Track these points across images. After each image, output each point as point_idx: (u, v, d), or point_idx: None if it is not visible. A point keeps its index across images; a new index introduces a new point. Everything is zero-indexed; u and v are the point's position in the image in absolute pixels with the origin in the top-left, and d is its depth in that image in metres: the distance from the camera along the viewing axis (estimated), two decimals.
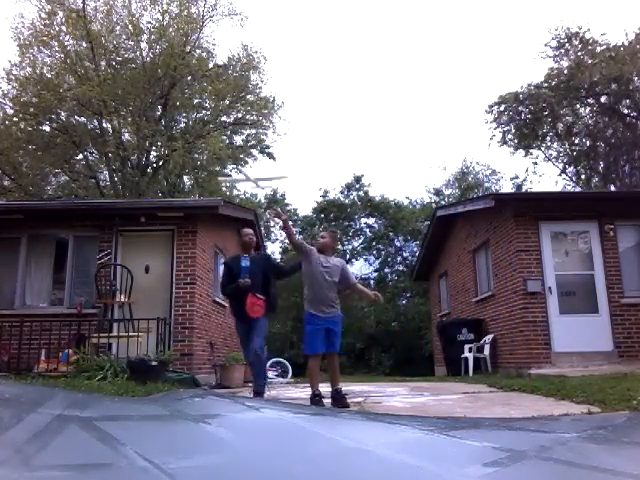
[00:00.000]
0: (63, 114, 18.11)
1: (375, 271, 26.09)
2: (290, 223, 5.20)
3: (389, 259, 26.39)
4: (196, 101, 20.38)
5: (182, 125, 21.01)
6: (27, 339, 7.72)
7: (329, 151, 47.48)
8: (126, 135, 18.97)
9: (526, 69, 48.43)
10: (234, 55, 19.96)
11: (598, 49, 19.57)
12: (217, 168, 20.98)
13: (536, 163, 22.90)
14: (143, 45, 18.72)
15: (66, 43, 17.80)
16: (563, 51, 20.50)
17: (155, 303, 8.51)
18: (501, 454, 0.50)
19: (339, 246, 25.91)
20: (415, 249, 24.10)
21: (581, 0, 37.94)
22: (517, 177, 25.90)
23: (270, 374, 12.61)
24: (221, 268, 11.03)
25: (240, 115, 20.77)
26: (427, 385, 7.83)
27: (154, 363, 6.68)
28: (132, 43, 18.69)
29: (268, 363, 13.75)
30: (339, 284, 5.25)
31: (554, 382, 5.87)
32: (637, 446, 0.57)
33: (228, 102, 19.90)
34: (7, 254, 9.01)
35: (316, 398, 5.09)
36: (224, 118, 20.62)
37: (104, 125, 18.36)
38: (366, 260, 26.06)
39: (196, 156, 19.24)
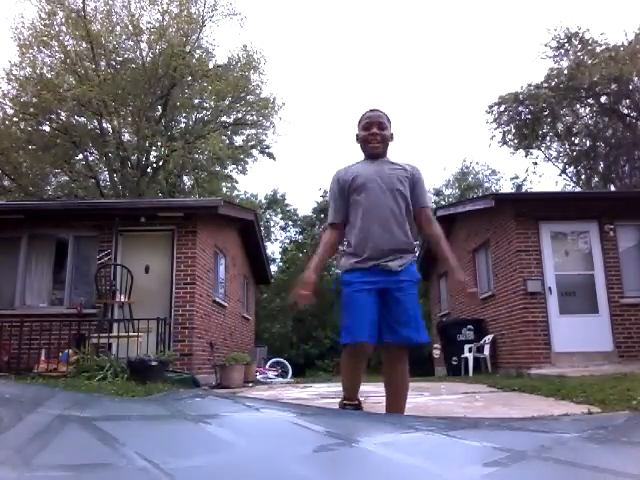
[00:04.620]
0: (63, 114, 18.12)
1: None
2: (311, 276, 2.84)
3: None
4: (196, 101, 20.40)
5: (182, 125, 21.03)
6: (27, 339, 7.73)
7: (329, 151, 47.50)
8: (126, 135, 18.98)
9: (526, 69, 48.44)
10: (234, 55, 20.00)
11: (598, 49, 19.57)
12: (217, 168, 20.99)
13: (536, 163, 22.94)
14: (143, 45, 18.75)
15: (66, 43, 17.81)
16: (563, 51, 20.51)
17: (155, 303, 8.51)
18: (501, 454, 0.50)
19: (339, 245, 25.85)
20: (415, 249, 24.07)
21: (581, 0, 37.96)
22: (517, 177, 25.94)
23: (270, 374, 12.62)
24: (221, 269, 11.08)
25: (240, 115, 20.78)
26: (427, 385, 7.83)
27: (154, 363, 6.68)
28: (132, 43, 18.71)
29: (268, 363, 13.77)
30: (407, 209, 2.79)
31: (554, 382, 5.87)
32: (637, 446, 0.57)
33: (228, 102, 19.91)
34: (7, 254, 9.02)
35: (346, 408, 2.84)
36: (224, 118, 20.64)
37: (104, 125, 18.37)
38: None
39: (196, 156, 19.24)
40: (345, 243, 3.01)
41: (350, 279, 2.73)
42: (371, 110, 2.94)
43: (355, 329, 2.61)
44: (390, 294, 2.66)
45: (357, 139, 2.95)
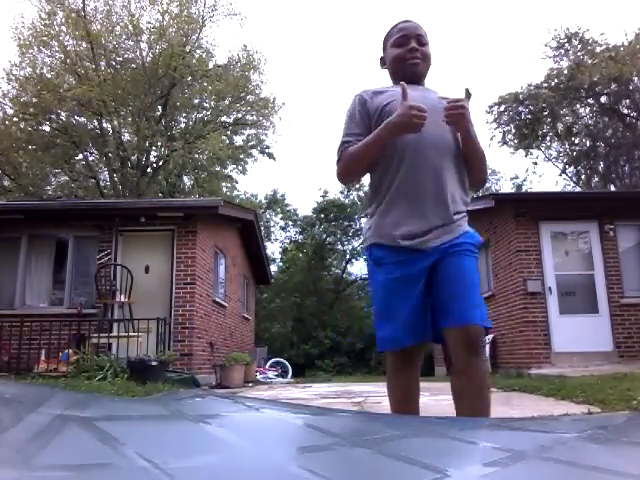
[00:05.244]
0: (63, 114, 18.12)
1: None
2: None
3: None
4: (196, 101, 20.41)
5: (182, 125, 21.03)
6: (27, 339, 7.73)
7: (329, 151, 47.45)
8: (126, 135, 18.99)
9: (526, 69, 48.45)
10: (234, 55, 20.02)
11: (598, 49, 19.59)
12: (217, 168, 21.01)
13: (536, 163, 22.99)
14: (143, 45, 18.76)
15: (66, 43, 17.81)
16: (563, 51, 20.53)
17: (155, 303, 8.52)
18: (501, 454, 0.50)
19: (339, 245, 25.80)
20: None
21: (581, 0, 37.97)
22: (517, 177, 25.93)
23: (270, 374, 12.62)
24: (221, 269, 11.08)
25: (240, 115, 20.80)
26: (427, 385, 7.82)
27: (154, 363, 6.68)
28: (132, 43, 18.71)
29: (268, 363, 13.77)
30: (456, 148, 1.96)
31: (554, 382, 5.87)
32: (637, 446, 0.57)
33: (228, 102, 19.92)
34: (7, 254, 9.02)
35: None
36: (224, 118, 20.65)
37: (104, 125, 18.38)
38: (366, 260, 26.05)
39: (196, 156, 19.24)
40: (370, 205, 2.02)
41: (382, 256, 1.92)
42: (404, 21, 2.08)
43: (395, 330, 1.86)
44: (441, 261, 1.84)
45: (382, 64, 2.13)
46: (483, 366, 1.86)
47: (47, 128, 18.49)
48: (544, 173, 33.68)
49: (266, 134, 21.09)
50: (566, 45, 20.38)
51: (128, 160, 18.29)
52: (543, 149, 22.89)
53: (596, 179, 22.25)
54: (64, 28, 17.60)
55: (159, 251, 9.02)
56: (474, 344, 1.77)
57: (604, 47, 19.45)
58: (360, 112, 2.01)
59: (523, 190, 24.13)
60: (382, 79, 2.22)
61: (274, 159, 21.94)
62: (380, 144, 1.88)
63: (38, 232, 9.10)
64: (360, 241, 26.27)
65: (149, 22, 18.59)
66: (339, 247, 25.87)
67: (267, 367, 13.36)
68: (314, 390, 7.41)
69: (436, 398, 5.64)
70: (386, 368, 2.04)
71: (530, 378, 7.17)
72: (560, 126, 21.59)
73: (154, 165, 19.46)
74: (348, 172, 2.02)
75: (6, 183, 19.01)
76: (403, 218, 1.88)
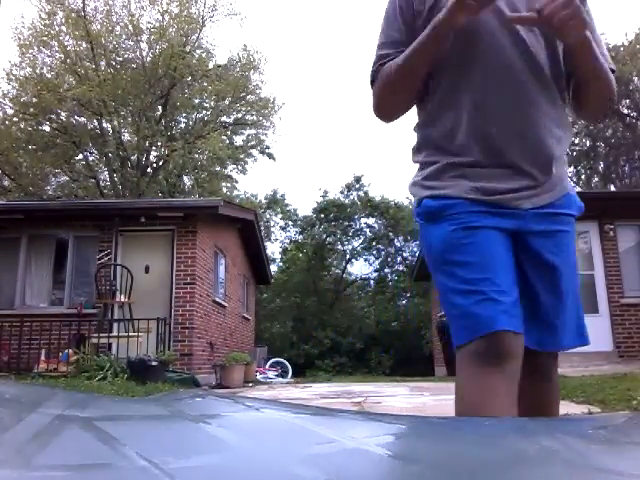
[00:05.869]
0: (63, 114, 18.13)
1: (375, 271, 26.11)
2: None
3: (389, 259, 26.40)
4: (196, 101, 20.41)
5: (182, 125, 21.04)
6: (27, 339, 7.74)
7: (329, 151, 47.55)
8: (126, 135, 19.00)
9: None
10: (234, 55, 20.04)
11: None
12: (217, 168, 21.02)
13: None
14: (143, 45, 18.77)
15: (66, 43, 17.82)
16: None
17: (155, 303, 8.52)
18: (501, 454, 0.50)
19: (339, 245, 25.81)
20: (415, 249, 24.10)
21: None
22: None
23: (270, 374, 12.63)
24: (221, 269, 11.09)
25: (240, 115, 20.81)
26: (427, 385, 7.84)
27: (154, 363, 6.69)
28: (132, 43, 18.73)
29: (268, 363, 13.78)
30: (552, 67, 1.30)
31: None
32: (637, 446, 0.57)
33: (228, 102, 19.94)
34: (7, 254, 9.03)
35: None
36: (224, 118, 20.66)
37: (104, 125, 18.38)
38: (366, 260, 26.06)
39: (196, 156, 19.26)
40: (420, 151, 1.40)
41: (443, 206, 1.29)
42: None
43: (480, 308, 1.17)
44: (529, 247, 1.33)
45: None
46: (556, 381, 1.43)
47: (47, 128, 18.50)
48: None
49: (266, 134, 21.11)
50: None
51: (128, 160, 18.29)
52: None
53: (596, 179, 22.29)
54: (64, 28, 17.61)
55: (159, 251, 9.02)
56: (555, 361, 1.39)
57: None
58: (402, 7, 1.35)
59: None
60: None
61: (274, 159, 21.96)
62: (427, 53, 1.27)
63: (38, 232, 9.10)
64: (360, 241, 26.23)
65: (149, 22, 18.61)
66: (339, 247, 25.88)
67: (267, 367, 13.36)
68: (314, 390, 7.41)
69: (436, 398, 5.65)
70: (456, 367, 1.26)
71: None
72: None
73: (154, 165, 19.47)
74: (387, 102, 1.40)
75: (6, 183, 19.02)
76: (478, 172, 1.29)
